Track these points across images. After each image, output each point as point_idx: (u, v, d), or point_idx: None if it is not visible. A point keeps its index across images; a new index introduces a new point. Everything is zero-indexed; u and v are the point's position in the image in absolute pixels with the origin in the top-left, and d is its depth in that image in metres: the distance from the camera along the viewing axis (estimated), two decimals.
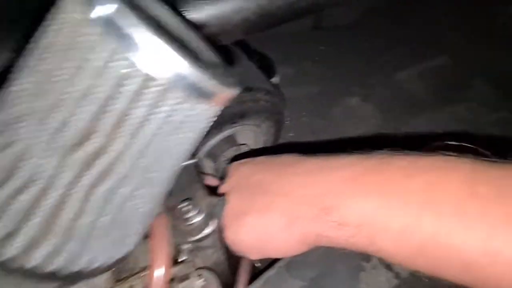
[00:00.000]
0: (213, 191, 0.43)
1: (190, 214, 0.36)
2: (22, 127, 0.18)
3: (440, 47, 1.45)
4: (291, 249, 0.37)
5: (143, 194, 0.23)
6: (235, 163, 0.48)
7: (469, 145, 0.85)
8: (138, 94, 0.18)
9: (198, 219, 0.37)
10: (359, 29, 1.57)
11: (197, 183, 0.40)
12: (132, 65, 0.17)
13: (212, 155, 0.78)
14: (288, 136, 1.27)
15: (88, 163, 0.19)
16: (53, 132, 0.18)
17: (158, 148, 0.20)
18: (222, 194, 0.42)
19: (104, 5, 0.16)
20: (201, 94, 0.19)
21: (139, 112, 0.18)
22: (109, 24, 0.16)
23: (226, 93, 0.21)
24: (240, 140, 0.81)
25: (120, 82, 0.17)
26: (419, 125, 1.19)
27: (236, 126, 0.76)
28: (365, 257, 0.49)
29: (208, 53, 0.25)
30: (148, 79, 0.18)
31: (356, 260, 0.48)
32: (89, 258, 0.22)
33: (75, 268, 0.22)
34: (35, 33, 0.19)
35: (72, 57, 0.17)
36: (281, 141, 1.23)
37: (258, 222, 0.37)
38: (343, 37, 1.55)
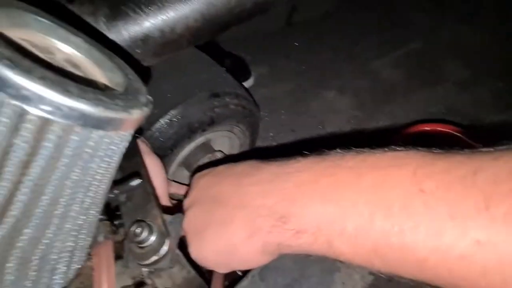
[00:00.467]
0: (169, 208, 0.41)
1: (142, 236, 0.35)
2: None
3: (411, 32, 1.45)
4: (256, 260, 0.35)
5: (55, 233, 0.21)
6: (196, 175, 0.46)
7: (443, 129, 0.85)
8: (13, 130, 0.16)
9: (151, 240, 0.35)
10: (330, 22, 1.57)
11: (150, 201, 0.38)
12: (2, 100, 0.15)
13: (187, 164, 0.76)
14: (268, 135, 1.26)
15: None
16: None
17: (56, 184, 0.19)
18: (178, 211, 0.40)
19: None
20: (87, 123, 0.18)
21: (19, 149, 0.17)
22: None
23: (125, 119, 0.19)
24: (215, 146, 0.79)
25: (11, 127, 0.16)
26: (397, 112, 1.19)
27: (207, 134, 0.75)
28: None
29: (118, 74, 0.23)
30: (19, 117, 0.16)
31: (330, 262, 0.47)
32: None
33: None
34: None
35: None
36: (261, 141, 1.22)
37: (219, 236, 0.35)
38: (315, 31, 1.55)
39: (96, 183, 0.21)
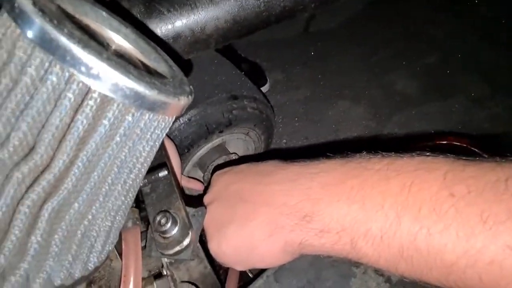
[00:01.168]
0: (191, 201, 0.42)
1: (166, 227, 0.35)
2: None
3: (428, 45, 1.45)
4: (276, 258, 0.36)
5: (98, 210, 0.22)
6: (217, 172, 0.47)
7: (459, 144, 0.85)
8: (76, 106, 0.18)
9: (174, 231, 0.36)
10: (348, 32, 1.59)
11: (174, 193, 0.39)
12: (67, 77, 0.17)
13: (202, 165, 0.77)
14: (282, 142, 1.27)
15: (32, 179, 0.18)
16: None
17: (106, 162, 0.20)
18: (201, 204, 0.41)
19: (37, 21, 0.16)
20: (142, 105, 0.19)
21: (79, 125, 0.18)
22: (43, 39, 0.16)
23: (173, 105, 0.20)
24: (230, 149, 0.80)
25: (56, 94, 0.17)
26: (411, 124, 1.18)
27: (224, 135, 0.76)
28: (355, 262, 0.48)
29: (162, 64, 0.25)
30: (83, 91, 0.17)
31: (346, 266, 0.47)
32: (46, 277, 0.21)
33: (33, 286, 0.21)
34: None
35: (8, 72, 0.17)
36: (274, 147, 1.23)
37: (240, 233, 0.36)
38: (333, 40, 1.56)
39: (139, 165, 0.22)
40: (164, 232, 0.36)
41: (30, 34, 0.16)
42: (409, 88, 1.35)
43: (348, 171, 0.32)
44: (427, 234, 0.25)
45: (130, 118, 0.19)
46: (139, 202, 0.39)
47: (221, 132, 0.73)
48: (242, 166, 0.45)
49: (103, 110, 0.18)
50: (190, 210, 0.39)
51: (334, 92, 1.35)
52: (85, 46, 0.16)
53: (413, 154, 0.30)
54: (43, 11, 0.16)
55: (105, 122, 0.18)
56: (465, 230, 0.24)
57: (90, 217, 0.22)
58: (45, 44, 0.16)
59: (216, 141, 0.76)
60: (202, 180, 0.76)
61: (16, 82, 0.17)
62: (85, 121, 0.18)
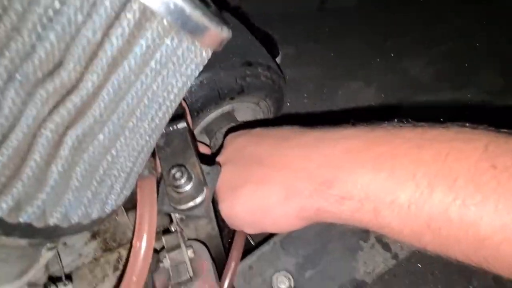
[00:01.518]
0: (205, 159, 0.41)
1: (181, 181, 0.34)
2: None
3: (446, 34, 1.41)
4: (289, 224, 0.35)
5: (122, 146, 0.20)
6: (231, 134, 0.45)
7: None
8: (111, 19, 0.15)
9: (189, 186, 0.35)
10: (364, 12, 1.53)
11: (190, 149, 0.38)
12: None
13: (209, 131, 0.76)
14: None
15: (57, 99, 0.16)
16: (14, 58, 0.15)
17: (138, 90, 0.18)
18: (213, 164, 0.39)
19: None
20: (184, 27, 0.17)
21: (114, 41, 0.16)
22: None
23: (215, 33, 0.18)
24: (239, 118, 0.78)
25: (91, 2, 0.15)
26: (422, 111, 1.17)
27: (234, 102, 0.74)
28: (363, 236, 0.47)
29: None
30: (122, 5, 0.15)
31: (354, 240, 0.47)
32: (64, 212, 0.20)
33: (50, 221, 0.20)
34: None
35: None
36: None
37: (255, 195, 0.35)
38: (348, 20, 1.51)
39: (168, 102, 0.20)
40: (178, 186, 0.35)
41: None
42: (422, 75, 1.32)
43: (375, 138, 0.30)
44: (461, 205, 0.24)
45: (169, 42, 0.17)
46: (153, 154, 0.38)
47: (232, 98, 0.71)
48: (258, 130, 0.43)
49: (141, 27, 0.16)
50: (205, 167, 0.38)
51: (346, 72, 1.31)
52: None
53: (449, 124, 0.29)
54: None
55: (142, 42, 0.16)
56: (506, 203, 0.22)
57: (113, 152, 0.20)
58: None
59: (226, 107, 0.74)
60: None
61: None
62: (120, 38, 0.15)
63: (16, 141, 0.16)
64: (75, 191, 0.20)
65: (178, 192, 0.35)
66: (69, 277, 0.43)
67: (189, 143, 0.38)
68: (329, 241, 0.47)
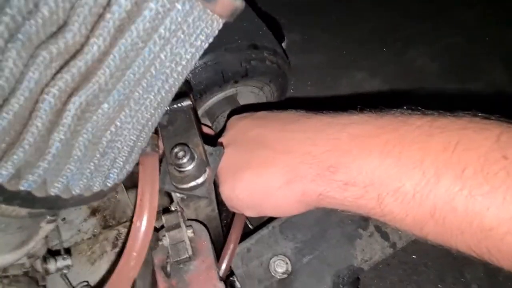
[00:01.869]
0: (208, 140, 0.40)
1: (184, 160, 0.33)
2: None
3: (454, 27, 1.38)
4: (290, 208, 0.34)
5: (127, 118, 0.19)
6: (234, 117, 0.45)
7: None
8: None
9: (191, 166, 0.34)
10: (372, 3, 1.49)
11: (193, 128, 0.37)
12: None
13: (211, 114, 0.75)
14: None
15: (60, 63, 0.16)
16: (15, 16, 0.14)
17: (145, 59, 0.17)
18: (216, 145, 0.39)
19: None
20: None
21: (122, 3, 0.15)
22: None
23: (228, 0, 0.17)
24: (241, 102, 0.77)
25: None
26: (427, 103, 1.15)
27: (238, 86, 0.72)
28: (362, 224, 0.47)
29: None
30: None
31: (353, 227, 0.47)
32: (65, 183, 0.19)
33: (51, 191, 0.19)
34: None
35: None
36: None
37: (257, 178, 0.34)
38: (356, 9, 1.48)
39: (175, 75, 0.19)
40: (180, 165, 0.34)
41: None
42: (428, 67, 1.30)
43: (384, 125, 0.30)
44: (468, 195, 0.23)
45: (180, 7, 0.16)
46: (156, 131, 0.37)
47: (236, 82, 0.70)
48: (262, 113, 0.42)
49: None
50: (208, 148, 0.37)
51: (351, 62, 1.29)
52: None
53: (460, 113, 0.28)
54: None
55: (152, 5, 0.15)
56: None
57: (118, 123, 0.19)
58: None
59: (229, 91, 0.72)
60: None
61: None
62: (128, 2, 0.14)
63: (17, 105, 0.16)
64: (77, 162, 0.19)
65: (180, 171, 0.35)
66: (68, 251, 0.43)
67: (192, 122, 0.38)
68: (328, 227, 0.47)
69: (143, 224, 0.29)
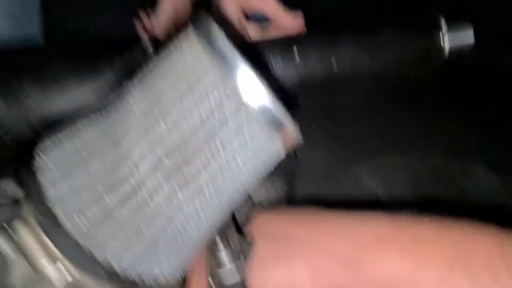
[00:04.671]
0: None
1: (220, 249, 0.36)
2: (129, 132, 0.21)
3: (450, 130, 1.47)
4: None
5: (206, 217, 0.24)
6: (260, 214, 0.48)
7: None
8: (229, 118, 0.21)
9: (228, 257, 0.36)
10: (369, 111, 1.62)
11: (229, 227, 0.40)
12: (231, 91, 0.21)
13: None
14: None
15: (171, 172, 0.21)
16: (154, 141, 0.21)
17: (231, 173, 0.23)
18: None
19: (219, 44, 0.21)
20: (276, 125, 0.22)
21: (225, 134, 0.22)
22: (222, 59, 0.21)
23: (293, 131, 0.24)
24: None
25: (218, 105, 0.21)
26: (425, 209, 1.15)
27: None
28: None
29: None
30: (241, 106, 0.21)
31: None
32: (156, 268, 0.23)
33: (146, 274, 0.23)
34: (149, 60, 0.23)
35: (185, 81, 0.21)
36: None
37: (283, 275, 0.35)
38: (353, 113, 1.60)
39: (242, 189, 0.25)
40: (217, 256, 0.36)
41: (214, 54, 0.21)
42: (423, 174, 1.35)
43: (400, 224, 0.33)
44: None
45: (263, 137, 0.22)
46: None
47: None
48: (285, 209, 0.46)
49: (248, 125, 0.21)
50: (242, 237, 0.39)
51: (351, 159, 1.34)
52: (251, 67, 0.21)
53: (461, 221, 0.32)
54: None
55: (246, 138, 0.22)
56: None
57: (196, 222, 0.24)
58: (223, 63, 0.21)
59: None
60: None
61: (190, 90, 0.21)
62: (231, 133, 0.22)
63: (135, 203, 0.21)
64: (164, 250, 0.23)
65: (217, 263, 0.36)
66: None
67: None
68: None
69: None
